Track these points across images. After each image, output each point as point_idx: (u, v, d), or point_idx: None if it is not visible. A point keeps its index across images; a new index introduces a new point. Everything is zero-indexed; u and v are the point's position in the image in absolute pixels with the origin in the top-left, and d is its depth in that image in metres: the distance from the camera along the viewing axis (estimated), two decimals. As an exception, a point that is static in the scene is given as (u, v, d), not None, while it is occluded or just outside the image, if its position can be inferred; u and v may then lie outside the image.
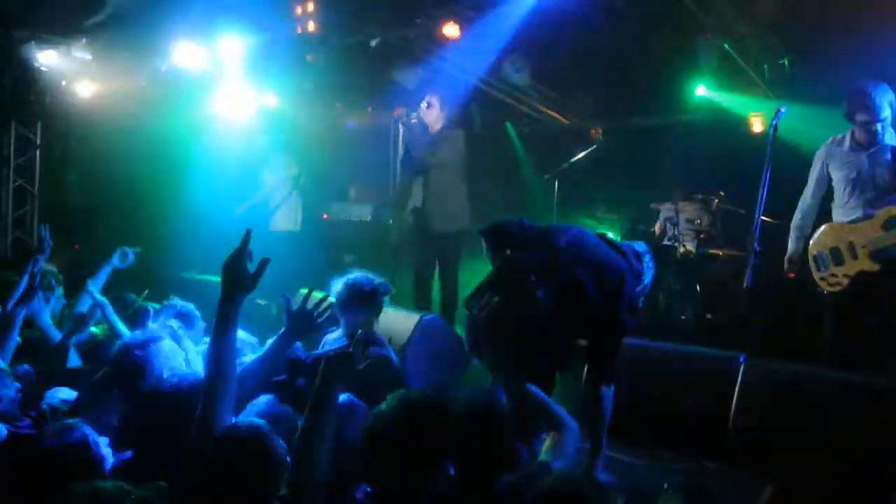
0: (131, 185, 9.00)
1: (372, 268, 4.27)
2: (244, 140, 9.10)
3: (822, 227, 4.88)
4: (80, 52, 8.26)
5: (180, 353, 3.35)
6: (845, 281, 4.65)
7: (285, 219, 8.75)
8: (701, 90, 8.12)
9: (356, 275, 3.99)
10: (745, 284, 4.56)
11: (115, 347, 3.30)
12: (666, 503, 2.16)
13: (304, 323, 3.00)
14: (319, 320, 3.02)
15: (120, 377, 3.10)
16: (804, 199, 5.06)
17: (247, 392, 2.83)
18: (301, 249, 8.83)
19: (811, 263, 4.87)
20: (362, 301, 3.86)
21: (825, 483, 3.00)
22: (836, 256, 4.71)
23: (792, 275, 5.10)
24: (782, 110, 4.80)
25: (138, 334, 3.47)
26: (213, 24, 8.18)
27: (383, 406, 2.42)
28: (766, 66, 7.89)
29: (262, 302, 7.48)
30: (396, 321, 4.78)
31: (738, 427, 3.81)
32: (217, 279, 2.54)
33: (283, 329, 3.04)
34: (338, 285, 3.92)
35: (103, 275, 5.00)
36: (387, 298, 4.02)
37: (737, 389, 3.89)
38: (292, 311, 3.01)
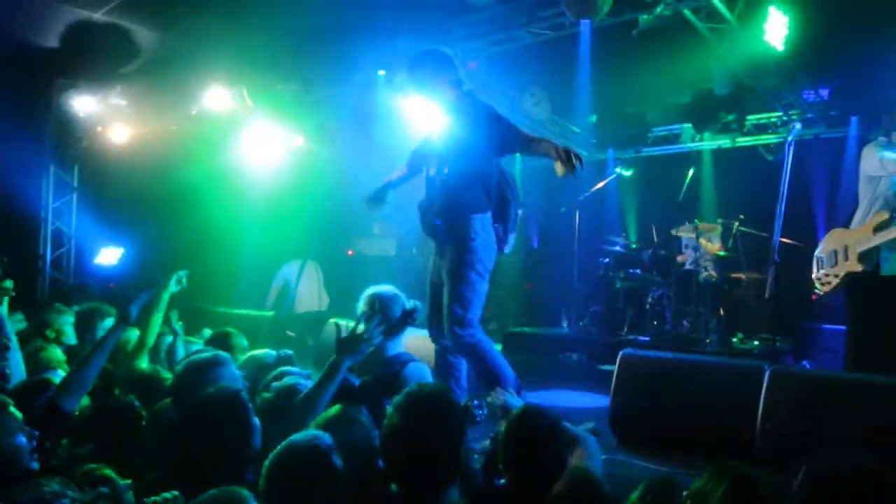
0: (163, 225, 9.28)
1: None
2: (273, 180, 9.40)
3: (831, 231, 5.04)
4: (116, 99, 8.63)
5: None
6: (835, 281, 4.81)
7: (308, 300, 9.07)
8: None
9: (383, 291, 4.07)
10: (766, 295, 4.64)
11: None
12: (705, 484, 2.19)
13: (350, 345, 3.20)
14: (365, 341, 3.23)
15: None
16: None
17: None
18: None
19: (814, 264, 5.03)
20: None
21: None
22: (833, 258, 4.85)
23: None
24: (798, 126, 4.94)
25: None
26: (241, 68, 8.53)
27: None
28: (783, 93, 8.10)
29: (291, 333, 7.67)
30: (424, 343, 4.90)
31: (765, 433, 3.87)
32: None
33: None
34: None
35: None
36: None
37: (762, 396, 3.96)
38: (341, 337, 3.19)
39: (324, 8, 7.57)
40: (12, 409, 2.73)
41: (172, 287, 4.92)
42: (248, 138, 9.28)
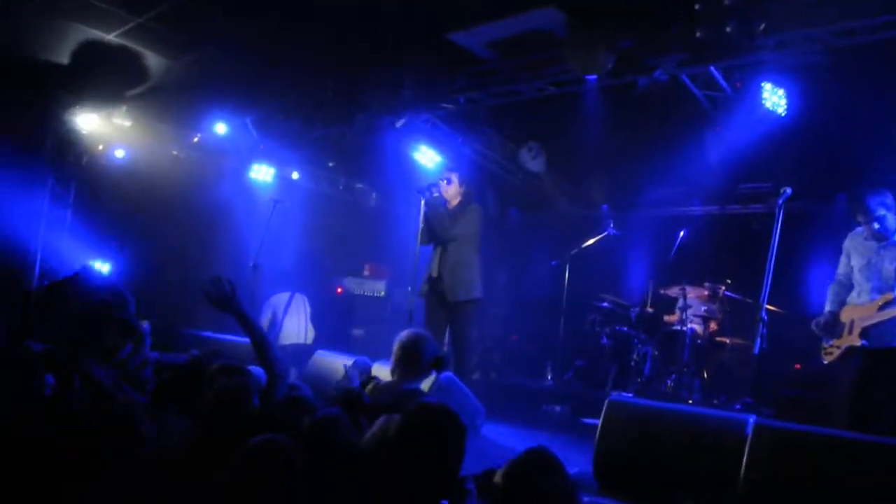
0: (158, 247, 9.25)
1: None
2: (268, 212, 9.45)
3: (845, 306, 5.17)
4: (120, 119, 8.71)
5: None
6: (837, 352, 4.98)
7: (295, 333, 8.95)
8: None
9: None
10: (755, 352, 4.70)
11: None
12: None
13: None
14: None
15: None
16: (839, 272, 5.33)
17: None
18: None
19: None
20: None
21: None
22: (840, 331, 4.96)
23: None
24: (788, 191, 5.05)
25: None
26: (247, 101, 8.67)
27: None
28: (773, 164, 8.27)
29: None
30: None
31: (749, 484, 3.87)
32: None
33: None
34: None
35: None
36: None
37: (747, 448, 3.97)
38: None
39: (332, 49, 7.76)
40: None
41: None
42: (248, 169, 9.38)
